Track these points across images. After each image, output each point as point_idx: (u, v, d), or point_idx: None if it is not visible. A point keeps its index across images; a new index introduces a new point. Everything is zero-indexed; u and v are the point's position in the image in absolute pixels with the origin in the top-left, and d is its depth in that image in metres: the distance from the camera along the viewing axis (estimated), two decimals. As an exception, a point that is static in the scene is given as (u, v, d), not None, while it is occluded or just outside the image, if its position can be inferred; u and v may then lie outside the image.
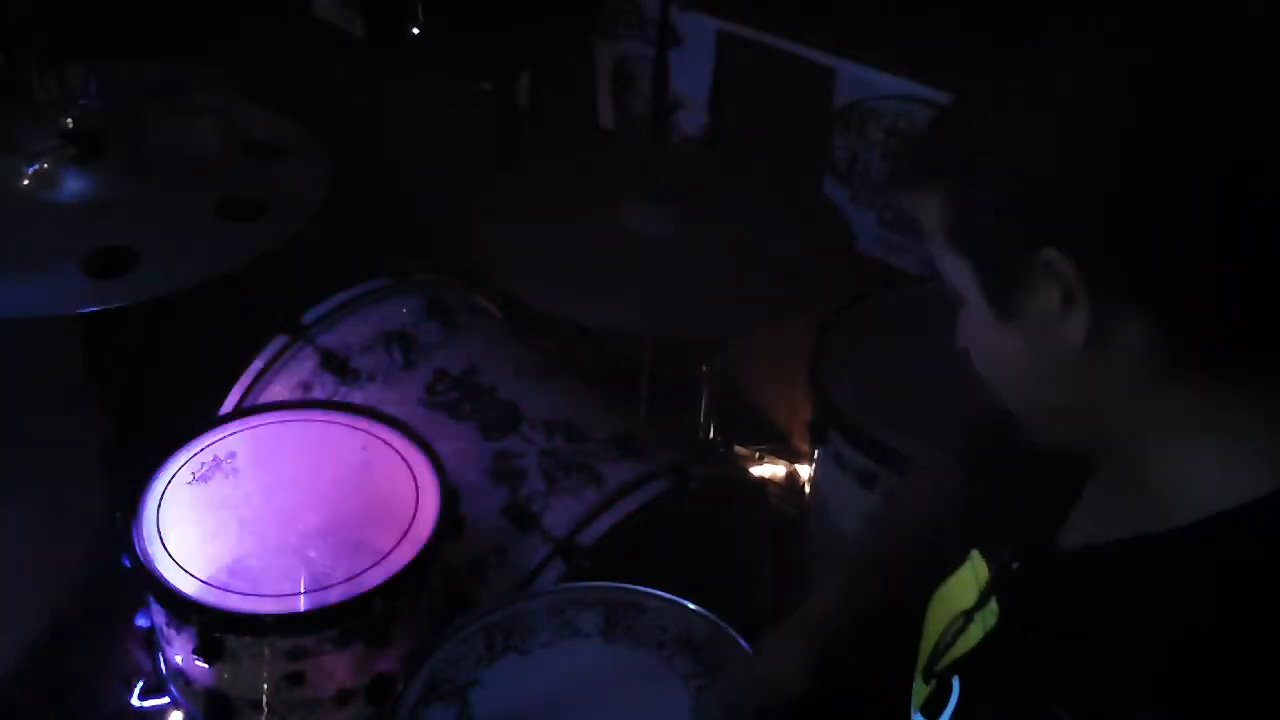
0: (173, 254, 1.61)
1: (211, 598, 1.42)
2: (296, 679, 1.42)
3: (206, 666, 1.43)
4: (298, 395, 1.86)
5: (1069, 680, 0.79)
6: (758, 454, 2.40)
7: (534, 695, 1.32)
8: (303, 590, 1.46)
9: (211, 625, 1.40)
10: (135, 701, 1.62)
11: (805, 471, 2.13)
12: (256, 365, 1.91)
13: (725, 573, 1.82)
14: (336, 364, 1.86)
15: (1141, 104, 0.75)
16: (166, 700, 1.55)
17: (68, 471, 1.50)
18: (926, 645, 1.00)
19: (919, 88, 2.03)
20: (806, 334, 1.84)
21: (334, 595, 1.42)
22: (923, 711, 0.97)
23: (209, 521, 1.53)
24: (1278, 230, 0.74)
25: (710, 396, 2.19)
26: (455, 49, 2.50)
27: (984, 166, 0.80)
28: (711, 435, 2.23)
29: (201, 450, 1.59)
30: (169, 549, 1.46)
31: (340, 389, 1.85)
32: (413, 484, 1.55)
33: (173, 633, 1.45)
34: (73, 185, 1.68)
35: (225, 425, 1.64)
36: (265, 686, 1.42)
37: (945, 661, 0.95)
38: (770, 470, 2.37)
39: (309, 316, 1.94)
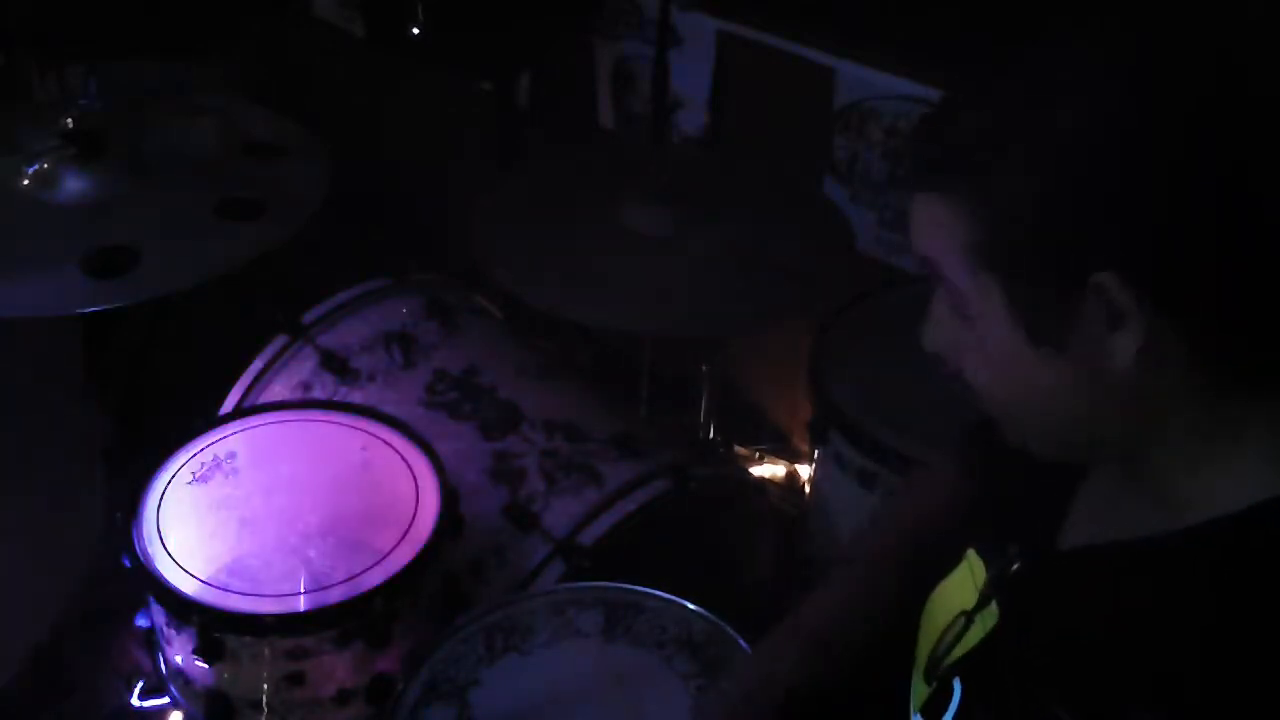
0: (173, 254, 1.61)
1: (211, 598, 1.42)
2: (296, 679, 1.42)
3: (206, 666, 1.43)
4: (298, 395, 1.86)
5: (1069, 681, 0.79)
6: (758, 454, 2.40)
7: (534, 695, 1.32)
8: (303, 590, 1.46)
9: (211, 625, 1.40)
10: (135, 701, 1.62)
11: (805, 471, 2.12)
12: (256, 365, 1.91)
13: (725, 573, 1.82)
14: (336, 364, 1.86)
15: (1157, 124, 0.74)
16: (166, 700, 1.55)
17: (68, 471, 1.50)
18: (925, 645, 1.00)
19: (919, 88, 2.03)
20: (806, 334, 1.84)
21: (334, 595, 1.42)
22: (923, 713, 0.97)
23: (209, 521, 1.53)
24: None
25: (710, 396, 2.19)
26: (455, 49, 2.50)
27: (1017, 187, 0.77)
28: (711, 435, 2.24)
29: (201, 450, 1.59)
30: (169, 549, 1.46)
31: (340, 389, 1.85)
32: (413, 484, 1.55)
33: (173, 633, 1.45)
34: (73, 185, 1.68)
35: (225, 425, 1.64)
36: (265, 686, 1.42)
37: (946, 663, 0.95)
38: (770, 470, 2.37)
39: (309, 316, 1.94)
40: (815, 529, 1.90)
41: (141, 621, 1.53)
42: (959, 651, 0.94)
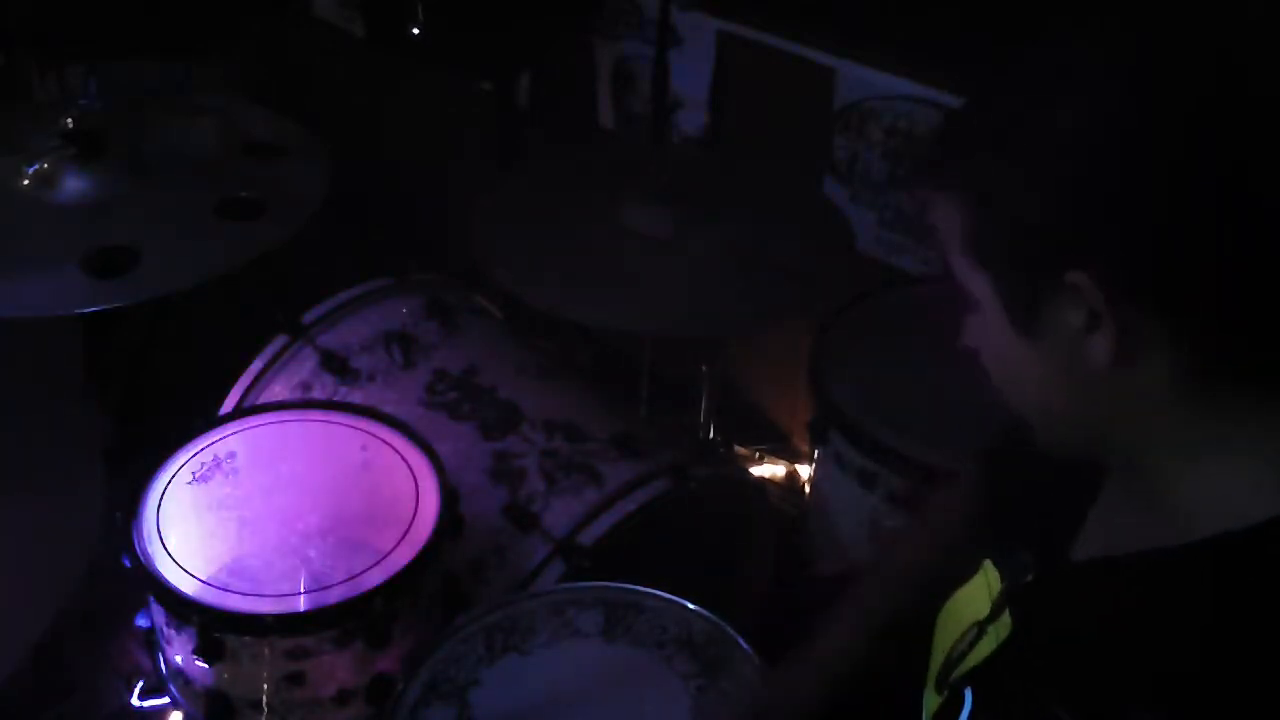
0: (173, 254, 1.61)
1: (211, 598, 1.42)
2: (296, 679, 1.42)
3: (206, 666, 1.43)
4: (298, 395, 1.86)
5: (1071, 682, 0.79)
6: (758, 454, 2.40)
7: (534, 695, 1.32)
8: (303, 590, 1.46)
9: (211, 625, 1.40)
10: (135, 701, 1.62)
11: (805, 471, 2.13)
12: (256, 365, 1.91)
13: (725, 573, 1.83)
14: (336, 364, 1.86)
15: (1157, 123, 0.74)
16: (166, 700, 1.55)
17: (68, 471, 1.49)
18: (937, 655, 1.00)
19: (919, 88, 2.03)
20: (806, 334, 1.84)
21: (334, 595, 1.42)
22: (934, 722, 0.97)
23: (209, 521, 1.53)
24: None
25: (710, 396, 2.19)
26: (455, 49, 2.50)
27: (1004, 183, 0.79)
28: (711, 435, 2.23)
29: (201, 450, 1.59)
30: (169, 549, 1.46)
31: (340, 389, 1.85)
32: (413, 484, 1.55)
33: (173, 633, 1.45)
34: (73, 185, 1.68)
35: (225, 425, 1.64)
36: (265, 686, 1.42)
37: (958, 673, 0.95)
38: (770, 470, 2.37)
39: (309, 316, 1.94)
40: (815, 529, 1.90)
41: (141, 621, 1.53)
42: (971, 661, 0.94)
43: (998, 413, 0.92)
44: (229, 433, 1.62)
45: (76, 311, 1.58)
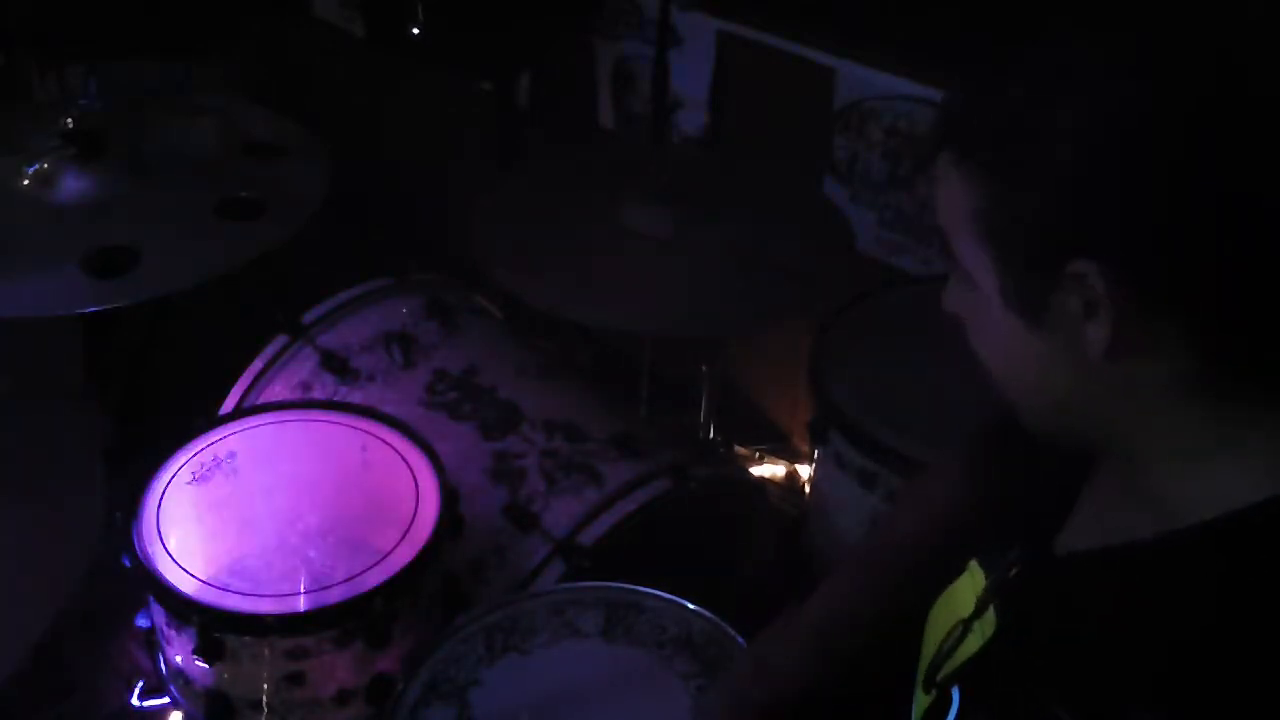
0: (173, 254, 1.61)
1: (211, 598, 1.42)
2: (296, 679, 1.42)
3: (206, 666, 1.43)
4: (298, 395, 1.86)
5: (1068, 681, 0.79)
6: (758, 454, 2.40)
7: (534, 695, 1.32)
8: (303, 590, 1.46)
9: (211, 625, 1.40)
10: (135, 701, 1.62)
11: (805, 471, 2.13)
12: (256, 365, 1.91)
13: (725, 573, 1.83)
14: (336, 364, 1.86)
15: (1157, 123, 0.74)
16: (166, 700, 1.55)
17: (68, 471, 1.50)
18: (926, 655, 1.00)
19: (919, 88, 2.03)
20: (806, 334, 1.84)
21: (334, 595, 1.42)
22: (922, 722, 0.97)
23: (209, 521, 1.53)
24: None
25: (710, 396, 2.19)
26: (455, 49, 2.50)
27: (1023, 172, 0.79)
28: (711, 435, 2.24)
29: (201, 450, 1.59)
30: (169, 549, 1.46)
31: (340, 389, 1.85)
32: (413, 484, 1.55)
33: (173, 633, 1.45)
34: (73, 185, 1.68)
35: (225, 425, 1.64)
36: (265, 686, 1.42)
37: (944, 671, 0.95)
38: (770, 470, 2.37)
39: (309, 316, 1.94)
40: (815, 529, 1.90)
41: (141, 621, 1.53)
42: (958, 660, 0.94)
43: (989, 406, 0.93)
44: (229, 433, 1.62)
45: (76, 311, 1.58)
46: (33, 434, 1.56)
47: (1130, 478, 0.86)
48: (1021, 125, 0.79)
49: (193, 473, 1.56)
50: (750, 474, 2.24)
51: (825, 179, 2.21)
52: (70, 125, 1.68)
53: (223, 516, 1.54)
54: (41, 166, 1.69)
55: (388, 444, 1.60)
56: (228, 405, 1.90)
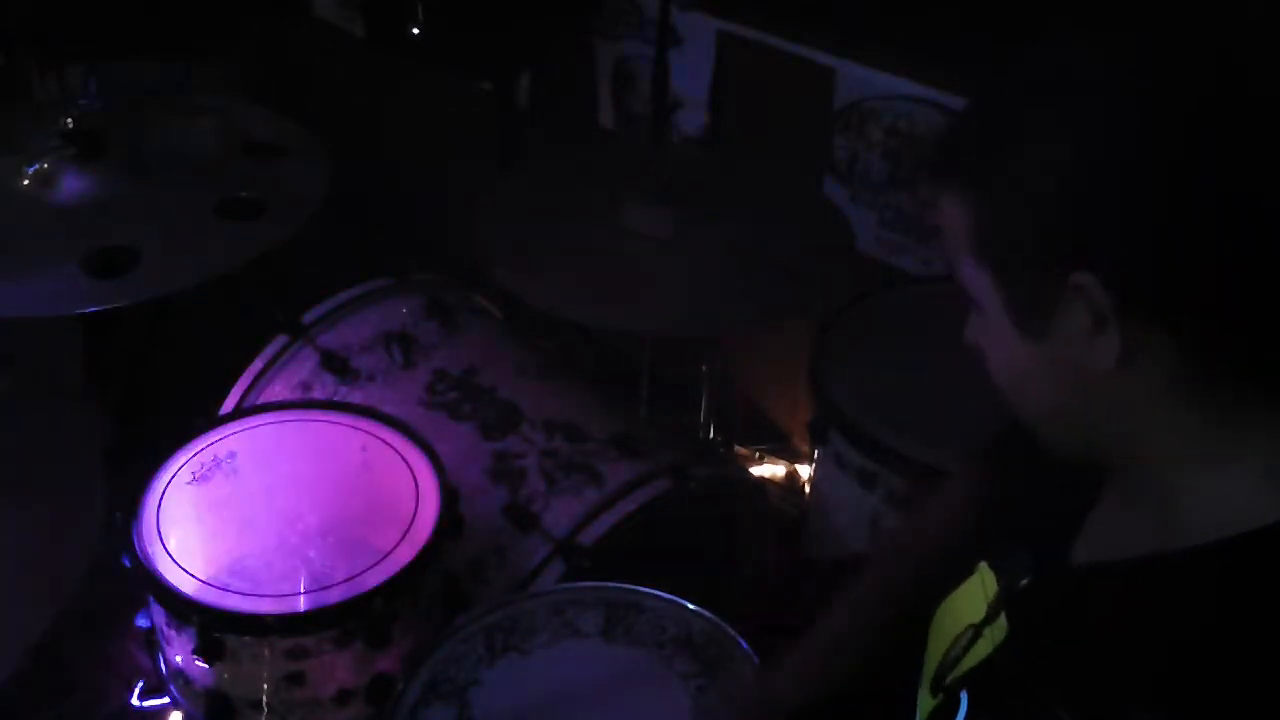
0: (173, 254, 1.61)
1: (211, 598, 1.42)
2: (296, 679, 1.42)
3: (206, 666, 1.43)
4: (298, 395, 1.86)
5: (1070, 682, 0.79)
6: (758, 454, 2.40)
7: (534, 695, 1.32)
8: (303, 590, 1.46)
9: (211, 625, 1.40)
10: (135, 701, 1.62)
11: (805, 471, 2.13)
12: (256, 365, 1.91)
13: (725, 573, 1.82)
14: (336, 364, 1.86)
15: (1157, 124, 0.74)
16: (166, 700, 1.55)
17: (68, 471, 1.50)
18: (933, 657, 1.00)
19: (919, 88, 2.03)
20: (806, 334, 1.84)
21: (334, 595, 1.42)
22: (928, 725, 0.97)
23: (209, 521, 1.53)
24: None
25: (710, 396, 2.19)
26: (455, 49, 2.50)
27: (1014, 183, 0.79)
28: (711, 435, 2.24)
29: (201, 450, 1.59)
30: (169, 549, 1.46)
31: (340, 389, 1.85)
32: (413, 484, 1.55)
33: (173, 633, 1.45)
34: (73, 185, 1.68)
35: (225, 425, 1.64)
36: (265, 686, 1.42)
37: (953, 675, 0.95)
38: (770, 470, 2.37)
39: (309, 316, 1.94)
40: (815, 529, 1.90)
41: (141, 621, 1.53)
42: (967, 664, 0.94)
43: (998, 413, 0.92)
44: (229, 433, 1.62)
45: (76, 311, 1.58)
46: (33, 434, 1.56)
47: (1139, 487, 0.85)
48: (1018, 127, 0.79)
49: (193, 473, 1.56)
50: (750, 474, 2.24)
51: (825, 179, 2.21)
52: (70, 125, 1.68)
53: (223, 516, 1.54)
54: (41, 166, 1.69)
55: (388, 444, 1.60)
56: (228, 405, 1.90)
